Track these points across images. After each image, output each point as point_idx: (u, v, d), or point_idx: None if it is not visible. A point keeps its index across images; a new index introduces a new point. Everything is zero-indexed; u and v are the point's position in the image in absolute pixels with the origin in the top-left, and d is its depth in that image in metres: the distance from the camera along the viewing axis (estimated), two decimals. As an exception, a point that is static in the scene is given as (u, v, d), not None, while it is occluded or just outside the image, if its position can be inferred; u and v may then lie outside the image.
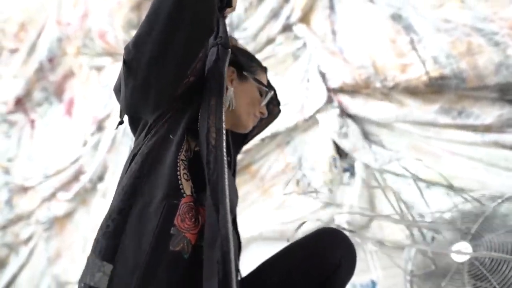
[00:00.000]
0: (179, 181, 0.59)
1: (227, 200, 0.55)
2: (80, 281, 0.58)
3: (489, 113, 1.25)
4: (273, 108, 0.95)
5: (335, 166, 1.50)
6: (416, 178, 1.29)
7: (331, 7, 1.71)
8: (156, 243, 0.55)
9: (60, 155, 2.41)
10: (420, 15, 1.43)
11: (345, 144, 1.49)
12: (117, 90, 0.69)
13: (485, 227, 0.90)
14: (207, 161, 0.57)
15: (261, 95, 0.81)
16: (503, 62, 1.20)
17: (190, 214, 0.58)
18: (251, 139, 0.99)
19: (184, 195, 0.59)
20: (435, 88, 1.33)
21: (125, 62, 0.60)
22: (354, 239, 1.30)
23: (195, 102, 0.65)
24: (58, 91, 2.61)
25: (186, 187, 0.60)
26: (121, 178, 0.65)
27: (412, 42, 1.40)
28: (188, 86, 0.65)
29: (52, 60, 2.53)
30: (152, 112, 0.65)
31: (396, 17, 1.48)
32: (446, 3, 1.40)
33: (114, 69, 2.33)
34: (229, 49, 0.68)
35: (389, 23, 1.48)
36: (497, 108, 1.25)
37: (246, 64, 0.79)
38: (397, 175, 1.36)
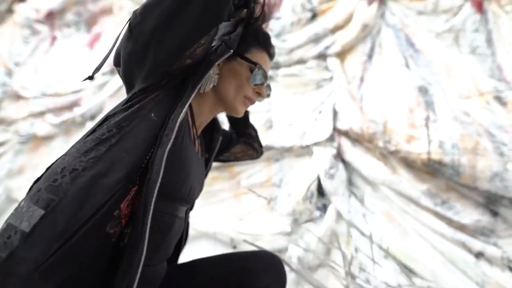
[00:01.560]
0: (143, 166, 0.57)
1: (155, 195, 0.55)
2: (7, 220, 0.55)
3: (469, 214, 1.27)
4: (252, 152, 0.95)
5: (310, 200, 1.51)
6: (379, 245, 1.30)
7: (369, 56, 1.73)
8: (97, 220, 0.53)
9: (65, 80, 2.41)
10: (445, 98, 1.45)
11: (327, 185, 1.50)
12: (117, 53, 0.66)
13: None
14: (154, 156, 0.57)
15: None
16: (500, 173, 1.22)
17: (132, 202, 0.57)
18: (231, 159, 0.96)
19: (138, 182, 0.57)
20: (430, 170, 1.35)
21: (129, 26, 0.60)
22: (298, 275, 1.31)
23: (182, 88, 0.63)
24: (90, 21, 2.62)
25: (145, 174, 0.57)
26: (88, 133, 0.62)
27: (427, 119, 1.42)
28: (182, 69, 0.63)
29: (97, -9, 2.54)
30: (142, 80, 0.63)
31: (423, 90, 1.51)
32: (472, 97, 1.42)
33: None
34: (231, 50, 0.67)
35: (414, 93, 1.50)
36: (478, 212, 1.26)
37: (246, 42, 0.73)
38: (362, 234, 1.36)
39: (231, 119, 0.94)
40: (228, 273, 0.76)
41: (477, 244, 1.21)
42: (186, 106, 0.61)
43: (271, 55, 0.78)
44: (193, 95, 0.62)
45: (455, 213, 1.29)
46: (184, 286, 0.78)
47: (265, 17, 0.73)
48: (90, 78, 0.64)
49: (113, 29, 2.52)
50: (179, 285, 0.78)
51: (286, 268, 0.82)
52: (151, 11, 0.57)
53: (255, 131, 0.96)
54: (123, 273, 0.53)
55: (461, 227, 1.27)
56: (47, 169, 0.59)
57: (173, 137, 0.58)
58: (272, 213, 1.56)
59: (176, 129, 0.58)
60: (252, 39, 0.73)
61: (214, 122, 0.85)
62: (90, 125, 2.20)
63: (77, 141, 0.62)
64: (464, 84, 1.47)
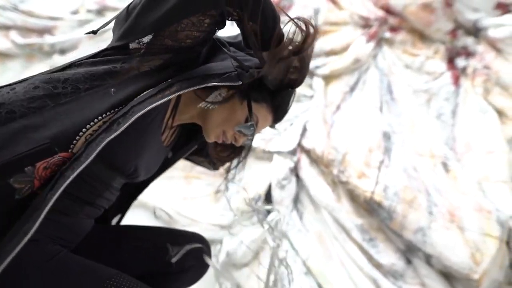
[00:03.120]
0: (77, 137, 0.55)
1: (74, 174, 0.52)
2: None
3: (388, 256, 1.40)
4: (209, 166, 0.93)
5: (255, 203, 1.56)
6: (303, 262, 1.38)
7: (352, 88, 1.83)
8: (3, 166, 0.50)
9: (45, 4, 2.21)
10: (402, 149, 1.58)
11: (276, 194, 1.56)
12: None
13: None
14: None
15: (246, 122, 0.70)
16: (423, 230, 1.36)
17: (55, 167, 0.54)
18: (189, 160, 0.93)
19: (70, 151, 0.55)
20: (369, 208, 1.47)
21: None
22: (218, 272, 1.35)
23: (158, 76, 0.61)
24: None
25: (79, 146, 0.55)
26: (45, 75, 0.59)
27: (381, 162, 1.54)
28: (162, 48, 0.60)
29: None
30: (117, 38, 0.61)
31: (386, 136, 1.63)
32: (424, 156, 1.57)
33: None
34: (239, 82, 0.64)
35: (378, 136, 1.62)
36: (395, 257, 1.40)
37: (262, 93, 0.70)
38: (292, 247, 1.44)
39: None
40: (154, 247, 0.78)
41: (385, 284, 1.34)
42: (155, 105, 0.57)
43: (275, 121, 0.76)
44: (171, 97, 0.59)
45: (377, 252, 1.42)
46: (109, 248, 0.80)
47: (295, 82, 0.69)
48: (94, 32, 0.62)
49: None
50: (104, 246, 0.80)
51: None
52: None
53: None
54: (24, 217, 0.51)
55: (377, 266, 1.40)
56: None
57: (123, 127, 0.55)
58: (216, 204, 1.59)
59: (130, 121, 0.55)
60: (269, 97, 0.70)
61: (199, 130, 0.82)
62: (57, 59, 2.05)
63: (30, 78, 0.59)
64: (421, 142, 1.61)
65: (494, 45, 1.72)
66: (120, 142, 0.58)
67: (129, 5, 0.61)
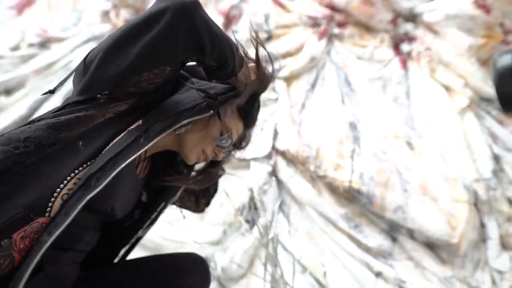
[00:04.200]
0: (53, 199, 0.52)
1: (53, 237, 0.50)
2: None
3: (375, 239, 1.47)
4: (192, 204, 0.90)
5: (241, 213, 1.56)
6: (298, 261, 1.41)
7: (313, 85, 1.90)
8: None
9: (-21, 42, 2.06)
10: (369, 136, 1.67)
11: (259, 200, 1.57)
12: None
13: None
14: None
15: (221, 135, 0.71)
16: (402, 207, 1.45)
17: (35, 236, 0.51)
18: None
19: (47, 215, 0.52)
20: (349, 196, 1.53)
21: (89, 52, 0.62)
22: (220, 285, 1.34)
23: (125, 121, 0.60)
24: (23, -17, 2.30)
25: (56, 208, 0.52)
26: (4, 135, 0.56)
27: (353, 151, 1.61)
28: (125, 94, 0.61)
29: (38, -48, 2.26)
30: (78, 92, 0.61)
31: (353, 126, 1.71)
32: (389, 138, 1.67)
33: (97, 3, 2.17)
34: (211, 112, 0.65)
35: (345, 127, 1.70)
36: (381, 237, 1.48)
37: (231, 105, 0.71)
38: (285, 249, 1.46)
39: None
40: (152, 273, 0.76)
41: (377, 265, 1.41)
42: (134, 156, 0.56)
43: (246, 127, 0.77)
44: (147, 147, 0.58)
45: (364, 236, 1.48)
46: (106, 284, 0.76)
47: (259, 89, 0.71)
48: (51, 92, 0.61)
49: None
50: (101, 283, 0.76)
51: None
52: (110, 36, 0.59)
53: (215, 190, 0.91)
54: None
55: (367, 249, 1.46)
56: None
57: (102, 185, 0.53)
58: (202, 222, 1.57)
59: (109, 178, 0.53)
60: (237, 108, 0.71)
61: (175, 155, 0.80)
62: (3, 100, 1.91)
63: None
64: (384, 126, 1.72)
65: (431, 28, 1.88)
66: None
67: (85, 57, 0.61)
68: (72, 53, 2.02)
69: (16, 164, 0.52)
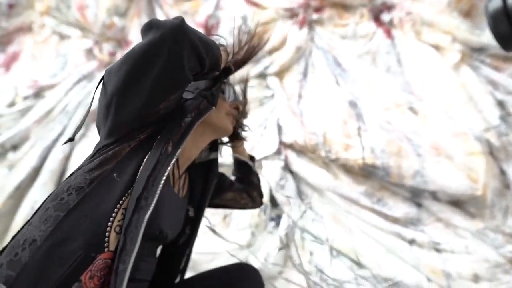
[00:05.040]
0: (107, 233, 0.53)
1: (130, 265, 0.51)
2: None
3: (400, 208, 1.47)
4: (246, 201, 0.95)
5: (264, 212, 1.58)
6: (330, 246, 1.42)
7: (304, 74, 1.92)
8: None
9: (-24, 106, 2.10)
10: (371, 110, 1.68)
11: (279, 196, 1.59)
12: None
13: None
14: (133, 209, 0.54)
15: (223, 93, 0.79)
16: (419, 171, 1.46)
17: (102, 273, 0.52)
18: (221, 206, 0.94)
19: (106, 250, 0.53)
20: (365, 173, 1.54)
21: (103, 83, 0.63)
22: None
23: (150, 144, 0.62)
24: (5, 40, 2.35)
25: (113, 241, 0.54)
26: (51, 196, 0.59)
27: (359, 129, 1.62)
28: (145, 126, 0.63)
29: (12, 7, 2.31)
30: (105, 136, 0.64)
31: (353, 104, 1.72)
32: (391, 109, 1.68)
33: (79, 44, 2.21)
34: (214, 107, 0.70)
35: (346, 107, 1.71)
36: (406, 206, 1.48)
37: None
38: (315, 237, 1.47)
39: (237, 163, 0.95)
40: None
41: (409, 233, 1.41)
42: (170, 166, 0.59)
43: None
44: (177, 154, 0.62)
45: (388, 208, 1.49)
46: None
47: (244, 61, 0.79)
48: (71, 139, 0.64)
49: (34, 48, 2.31)
50: None
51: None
52: (114, 75, 0.60)
53: (258, 179, 0.96)
54: None
55: (394, 220, 1.46)
56: (12, 239, 0.55)
57: (154, 201, 0.55)
58: (229, 229, 1.58)
59: (158, 193, 0.56)
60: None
61: (212, 167, 0.85)
62: (12, 156, 1.95)
63: (42, 204, 0.58)
64: (383, 98, 1.72)
65: (407, -7, 1.89)
66: None
67: (103, 82, 0.62)
68: (66, 96, 2.06)
69: (63, 212, 0.54)
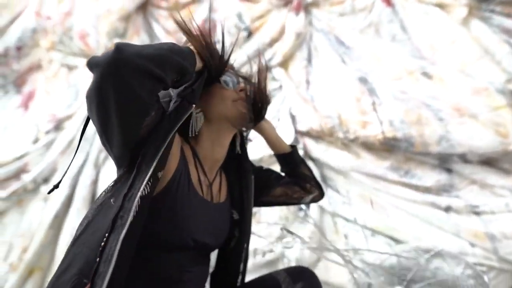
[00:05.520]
0: (97, 259, 0.52)
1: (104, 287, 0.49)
2: None
3: (430, 177, 1.43)
4: (301, 194, 0.91)
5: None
6: (364, 226, 1.40)
7: (309, 60, 1.89)
8: None
9: (5, 148, 2.21)
10: (382, 83, 1.64)
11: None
12: None
13: (418, 276, 1.00)
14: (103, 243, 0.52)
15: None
16: (444, 136, 1.41)
17: None
18: (273, 203, 0.92)
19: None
20: (388, 147, 1.50)
21: None
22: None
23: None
24: (19, 82, 2.46)
25: None
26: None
27: (373, 104, 1.58)
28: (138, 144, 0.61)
29: (20, 49, 2.41)
30: (117, 168, 0.66)
31: (363, 80, 1.68)
32: (404, 77, 1.63)
33: (87, 71, 2.27)
34: (193, 104, 0.66)
35: (356, 84, 1.67)
36: (436, 173, 1.43)
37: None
38: (347, 220, 1.46)
39: (279, 159, 0.91)
40: None
41: (443, 201, 1.37)
42: (146, 179, 0.57)
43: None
44: (154, 163, 0.58)
45: (418, 179, 1.45)
46: None
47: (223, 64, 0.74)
48: (56, 187, 0.66)
49: (47, 84, 2.40)
50: None
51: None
52: (91, 118, 0.59)
53: (310, 170, 0.92)
54: None
55: (426, 190, 1.42)
56: None
57: (129, 219, 0.53)
58: (260, 225, 1.59)
59: (133, 208, 0.53)
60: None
61: (242, 163, 0.83)
62: (44, 189, 2.04)
63: None
64: (393, 68, 1.67)
65: (399, -44, 1.82)
66: (157, 224, 0.60)
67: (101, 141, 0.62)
68: (83, 125, 2.13)
69: (71, 244, 0.58)
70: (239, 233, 0.82)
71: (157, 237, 0.61)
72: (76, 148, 0.68)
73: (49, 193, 0.65)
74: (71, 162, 0.68)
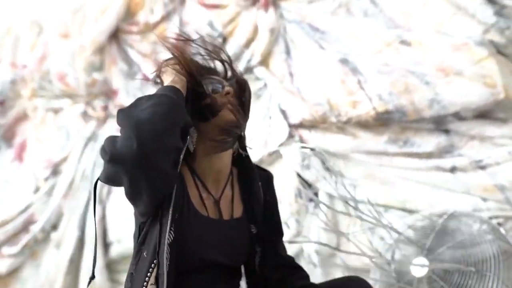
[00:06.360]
0: None
1: None
2: None
3: (429, 142, 1.43)
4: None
5: (300, 197, 1.57)
6: (375, 204, 1.39)
7: (287, 52, 1.89)
8: None
9: (7, 204, 2.21)
10: (364, 60, 1.64)
11: (308, 176, 1.58)
12: None
13: (436, 242, 1.00)
14: None
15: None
16: (434, 98, 1.41)
17: None
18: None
19: None
20: (382, 121, 1.50)
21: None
22: (324, 269, 1.35)
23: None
24: (8, 135, 2.45)
25: None
26: None
27: (359, 82, 1.58)
28: None
29: (3, 103, 2.41)
30: (140, 216, 0.70)
31: (344, 61, 1.68)
32: (383, 50, 1.63)
33: (73, 111, 2.28)
34: (191, 127, 0.70)
35: (339, 66, 1.67)
36: (434, 137, 1.43)
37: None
38: (358, 201, 1.45)
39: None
40: None
41: (447, 162, 1.37)
42: (167, 233, 0.62)
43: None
44: (169, 218, 0.63)
45: (418, 146, 1.45)
46: None
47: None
48: (92, 278, 0.70)
49: (36, 132, 2.39)
50: None
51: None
52: (111, 185, 0.70)
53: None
54: None
55: (428, 155, 1.42)
56: None
57: (165, 272, 0.59)
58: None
59: (165, 262, 0.60)
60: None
61: (244, 171, 0.81)
62: (55, 236, 2.04)
63: None
64: (372, 43, 1.67)
65: None
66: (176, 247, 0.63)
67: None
68: (80, 163, 2.13)
69: None
70: (261, 247, 0.80)
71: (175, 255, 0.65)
72: (94, 224, 0.81)
73: (88, 285, 0.69)
74: (95, 255, 0.72)
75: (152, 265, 0.61)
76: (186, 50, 0.73)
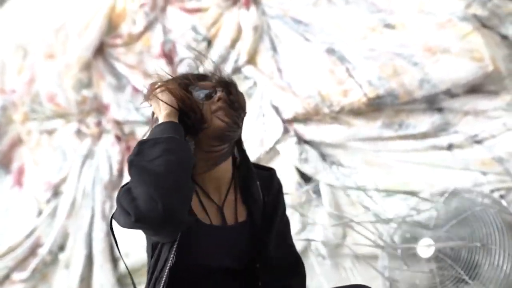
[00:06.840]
0: None
1: None
2: None
3: (423, 122, 1.43)
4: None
5: (302, 191, 1.57)
6: (376, 190, 1.40)
7: (274, 48, 1.88)
8: None
9: (12, 230, 2.21)
10: (350, 47, 1.64)
11: (307, 169, 1.58)
12: None
13: (440, 221, 1.00)
14: None
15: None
16: (424, 78, 1.41)
17: None
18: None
19: None
20: (374, 107, 1.50)
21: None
22: (333, 260, 1.35)
23: None
24: (5, 162, 2.45)
25: None
26: None
27: (348, 70, 1.58)
28: None
29: (-4, 130, 2.40)
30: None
31: (331, 51, 1.68)
32: (368, 35, 1.63)
33: (67, 130, 2.27)
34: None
35: (326, 57, 1.67)
36: (428, 116, 1.43)
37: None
38: (359, 189, 1.45)
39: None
40: None
41: (443, 140, 1.37)
42: (174, 249, 0.65)
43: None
44: (173, 252, 0.66)
45: (413, 127, 1.45)
46: None
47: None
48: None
49: (33, 155, 2.39)
50: None
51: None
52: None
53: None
54: None
55: (424, 135, 1.42)
56: None
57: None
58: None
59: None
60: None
61: (243, 175, 0.79)
62: (63, 256, 2.04)
63: None
64: (356, 29, 1.67)
65: None
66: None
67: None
68: (79, 182, 2.13)
69: None
70: (260, 249, 0.77)
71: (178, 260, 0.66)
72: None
73: None
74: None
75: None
76: (174, 87, 0.70)
